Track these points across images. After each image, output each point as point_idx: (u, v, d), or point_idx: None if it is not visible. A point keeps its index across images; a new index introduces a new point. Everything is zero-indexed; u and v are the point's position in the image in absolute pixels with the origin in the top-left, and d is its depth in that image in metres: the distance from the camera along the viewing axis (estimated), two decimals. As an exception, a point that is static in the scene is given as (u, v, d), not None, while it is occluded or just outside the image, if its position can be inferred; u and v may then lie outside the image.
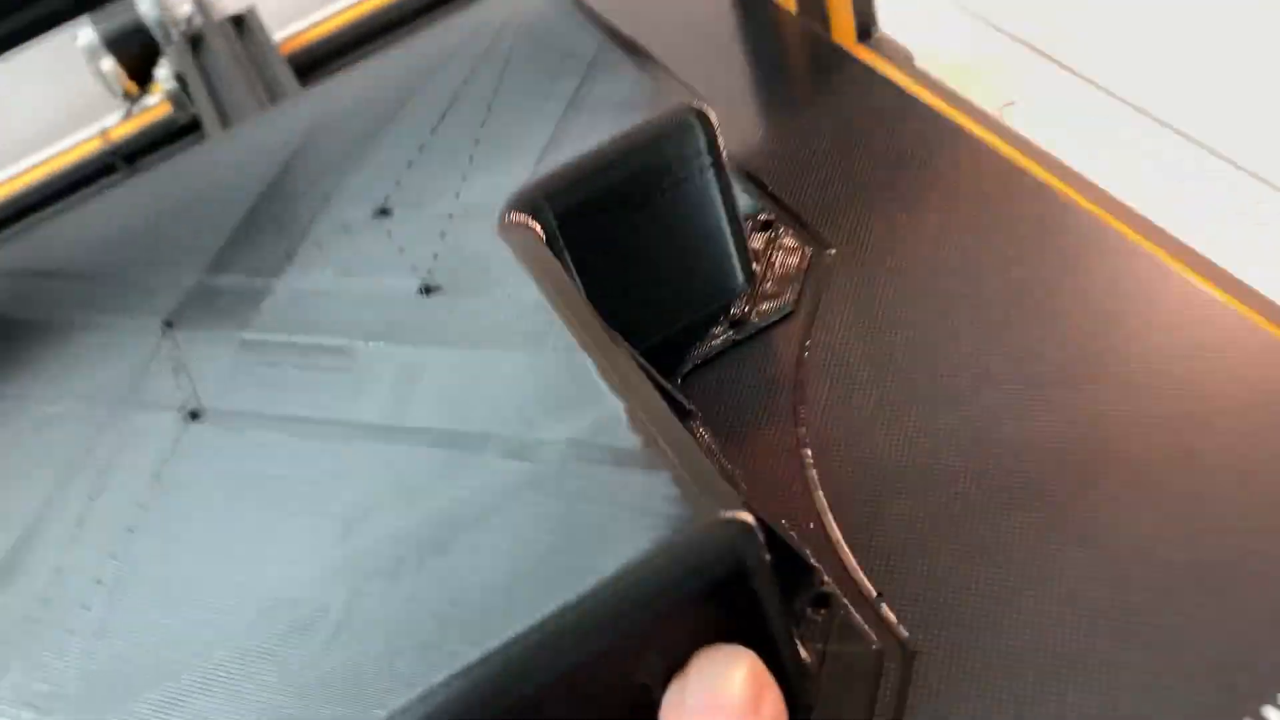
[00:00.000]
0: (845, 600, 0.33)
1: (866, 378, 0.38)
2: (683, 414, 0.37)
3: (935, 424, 0.36)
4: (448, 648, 0.24)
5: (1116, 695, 0.29)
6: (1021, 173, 0.43)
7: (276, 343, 0.33)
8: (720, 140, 0.36)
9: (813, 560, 0.33)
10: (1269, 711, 0.28)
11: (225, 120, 0.72)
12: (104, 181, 0.78)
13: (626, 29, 0.41)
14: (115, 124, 0.79)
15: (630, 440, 0.27)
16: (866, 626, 0.32)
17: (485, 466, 0.28)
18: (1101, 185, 0.44)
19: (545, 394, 0.29)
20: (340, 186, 0.38)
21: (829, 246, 0.43)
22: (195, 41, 0.79)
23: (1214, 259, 0.40)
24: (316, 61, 0.79)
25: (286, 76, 0.74)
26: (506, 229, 0.34)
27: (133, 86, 0.82)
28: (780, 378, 0.39)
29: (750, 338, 0.40)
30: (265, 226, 0.37)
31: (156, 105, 0.79)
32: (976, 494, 0.34)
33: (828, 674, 0.31)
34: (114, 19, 0.82)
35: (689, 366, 0.40)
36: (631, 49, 0.39)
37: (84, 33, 0.81)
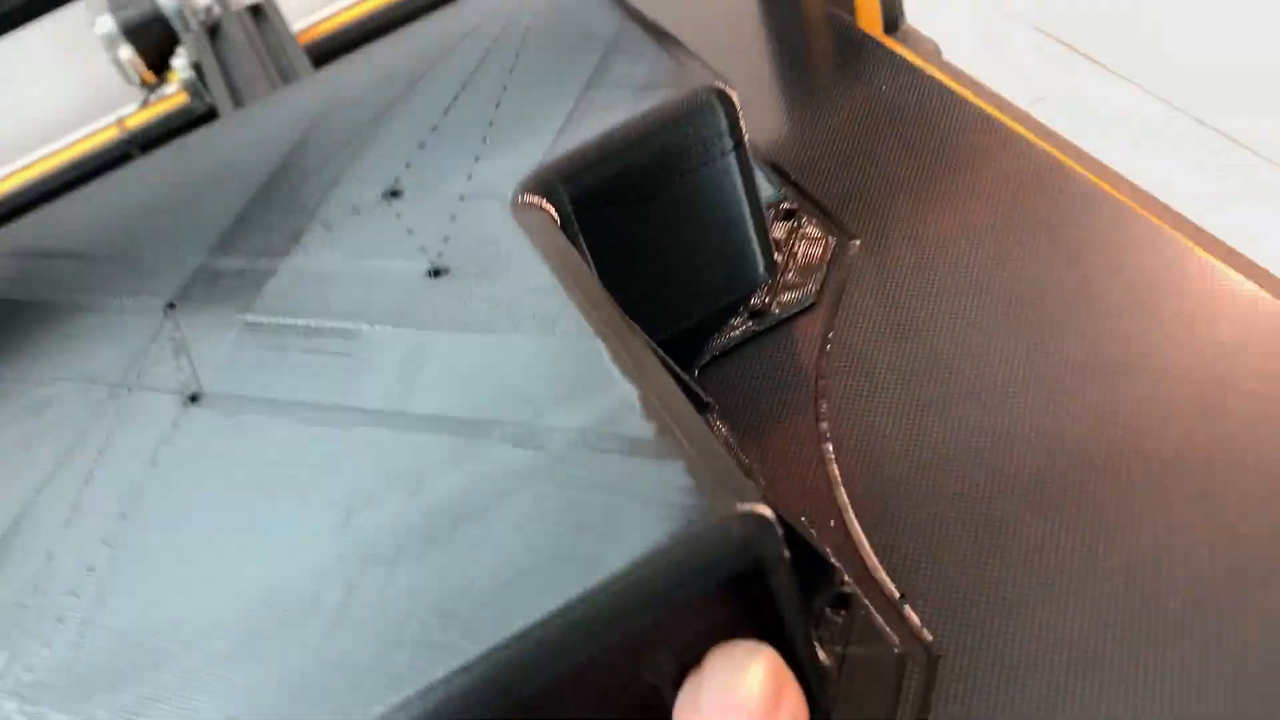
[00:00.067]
0: (866, 601, 0.31)
1: (890, 372, 0.37)
2: (700, 406, 0.36)
3: (961, 421, 0.35)
4: (448, 643, 0.23)
5: (1149, 701, 0.27)
6: (1054, 165, 0.41)
7: (280, 325, 0.32)
8: (742, 122, 0.35)
9: (833, 559, 0.32)
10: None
11: (242, 109, 0.71)
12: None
13: (651, 16, 0.39)
14: (132, 113, 0.79)
15: (643, 429, 0.26)
16: (888, 629, 0.30)
17: (491, 455, 0.26)
18: (1134, 180, 0.43)
19: (555, 380, 0.27)
20: (350, 167, 0.37)
21: (854, 237, 0.41)
22: (213, 30, 0.78)
23: (1251, 254, 0.38)
24: (334, 51, 0.78)
25: (304, 66, 0.73)
26: (519, 211, 0.33)
27: (150, 75, 0.81)
28: (801, 371, 0.38)
29: (771, 329, 0.39)
30: (273, 207, 0.36)
31: (173, 94, 0.78)
32: (1003, 492, 0.32)
33: (847, 677, 0.30)
34: (132, 7, 0.82)
35: (707, 358, 0.39)
36: (652, 29, 0.38)
37: (102, 20, 0.81)
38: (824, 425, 0.36)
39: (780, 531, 0.24)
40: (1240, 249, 0.38)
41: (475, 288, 0.31)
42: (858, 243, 0.41)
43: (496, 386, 0.28)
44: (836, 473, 0.35)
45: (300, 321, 0.32)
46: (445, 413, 0.28)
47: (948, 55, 0.61)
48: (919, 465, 0.34)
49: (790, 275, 0.40)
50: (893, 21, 0.61)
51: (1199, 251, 0.37)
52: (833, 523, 0.33)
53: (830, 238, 0.41)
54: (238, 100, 0.73)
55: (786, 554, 0.24)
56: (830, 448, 0.35)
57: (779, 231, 0.42)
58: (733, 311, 0.40)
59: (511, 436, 0.27)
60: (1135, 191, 0.42)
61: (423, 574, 0.24)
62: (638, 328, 0.31)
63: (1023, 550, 0.31)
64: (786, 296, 0.40)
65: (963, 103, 0.45)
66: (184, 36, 0.79)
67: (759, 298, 0.40)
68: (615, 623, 0.23)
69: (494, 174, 0.34)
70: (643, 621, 0.23)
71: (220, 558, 0.27)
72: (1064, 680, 0.28)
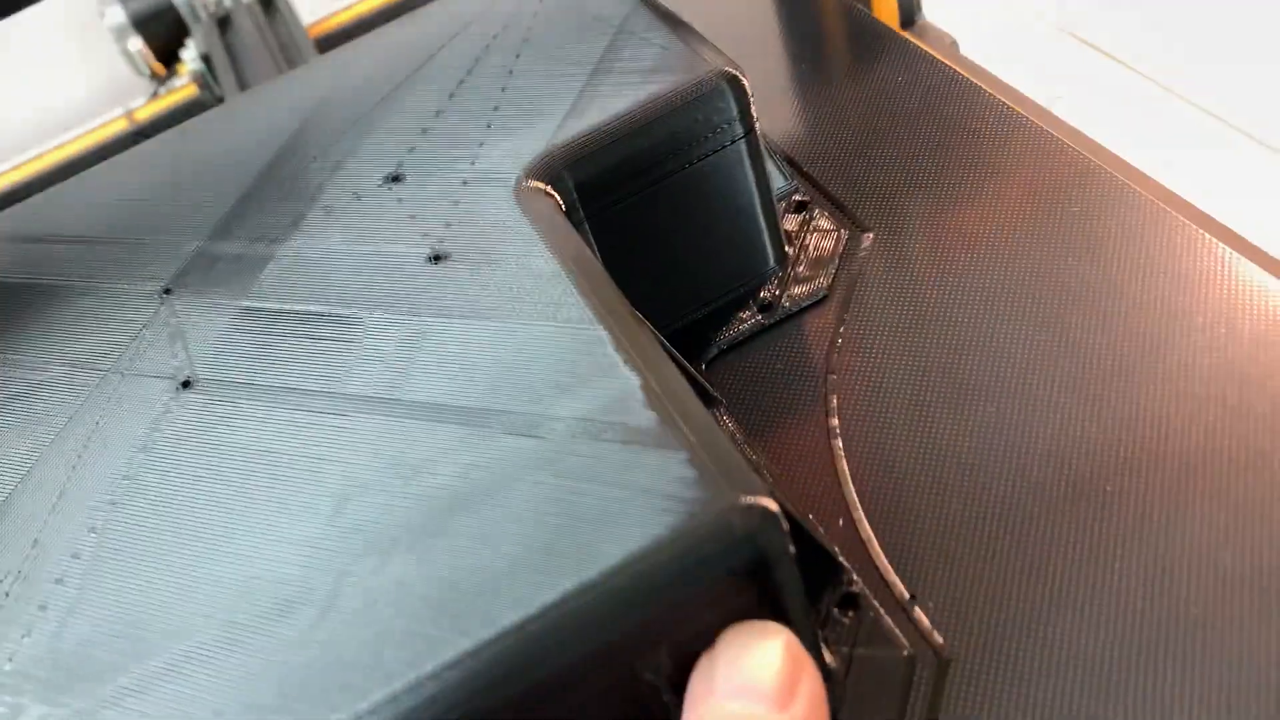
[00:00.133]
0: (875, 602, 0.30)
1: (903, 368, 0.36)
2: (707, 400, 0.35)
3: (975, 419, 0.34)
4: (439, 636, 0.22)
5: (1166, 710, 0.26)
6: (1074, 159, 0.40)
7: (277, 311, 0.31)
8: (753, 108, 0.34)
9: (841, 558, 0.31)
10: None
11: (250, 101, 0.70)
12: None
13: (664, 4, 0.39)
14: (141, 105, 0.78)
15: (645, 418, 0.25)
16: (897, 631, 0.29)
17: (489, 444, 0.26)
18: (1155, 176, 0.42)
19: (556, 368, 0.27)
20: (353, 152, 0.36)
21: (867, 230, 0.40)
22: (223, 23, 0.78)
23: (1275, 252, 0.37)
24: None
25: (314, 59, 0.73)
26: (523, 196, 0.32)
27: (159, 67, 0.81)
28: (811, 365, 0.37)
29: (780, 322, 0.38)
30: (273, 192, 0.35)
31: (182, 86, 0.78)
32: (1018, 493, 0.31)
33: (854, 679, 0.29)
34: (144, -1, 0.81)
35: (714, 351, 0.38)
36: (663, 14, 0.37)
37: (113, 12, 0.81)
38: (834, 421, 0.35)
39: (785, 525, 0.23)
40: (1263, 246, 0.37)
41: (476, 274, 0.30)
42: (871, 236, 0.40)
43: (496, 374, 0.27)
44: (846, 470, 0.34)
45: (297, 307, 0.31)
46: (443, 400, 0.27)
47: (965, 51, 0.60)
48: (931, 463, 0.33)
49: (801, 268, 0.39)
50: (909, 15, 0.61)
51: (1222, 248, 0.36)
52: (841, 521, 0.32)
53: (843, 230, 0.40)
54: (247, 92, 0.72)
55: (791, 549, 0.23)
56: (840, 444, 0.34)
57: (790, 224, 0.41)
58: (741, 304, 0.39)
59: (510, 425, 0.26)
60: (1157, 187, 0.41)
61: (415, 565, 0.24)
62: (643, 318, 0.30)
63: (1038, 552, 0.30)
64: (797, 290, 0.39)
65: (981, 95, 0.44)
66: (194, 28, 0.78)
67: (769, 290, 0.39)
68: (612, 618, 0.22)
69: (498, 159, 0.33)
70: (641, 617, 0.22)
71: (208, 546, 0.26)
72: (1078, 687, 0.27)
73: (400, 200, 0.33)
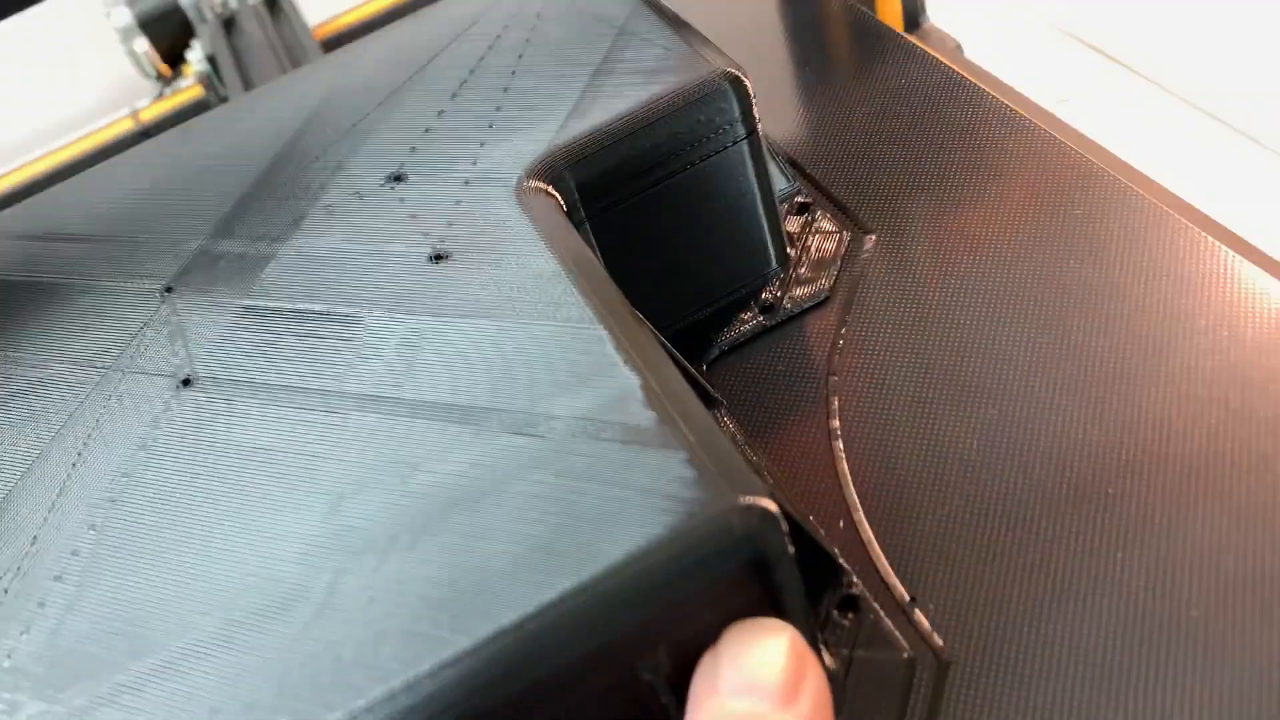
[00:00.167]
0: (875, 604, 0.30)
1: (904, 369, 0.36)
2: (708, 401, 0.35)
3: (977, 421, 0.33)
4: (437, 635, 0.22)
5: (1168, 713, 0.26)
6: (1078, 162, 0.40)
7: (277, 310, 0.31)
8: (755, 109, 0.34)
9: (842, 560, 0.31)
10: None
11: (255, 102, 0.70)
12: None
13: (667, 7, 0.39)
14: (146, 105, 0.79)
15: (645, 418, 0.25)
16: (897, 633, 0.29)
17: (488, 442, 0.26)
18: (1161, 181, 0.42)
19: (555, 367, 0.27)
20: (355, 152, 0.36)
21: (869, 231, 0.40)
22: (229, 24, 0.78)
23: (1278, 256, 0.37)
24: (350, 46, 0.78)
25: (319, 60, 0.73)
26: (524, 196, 0.32)
27: (165, 68, 0.81)
28: (813, 367, 0.37)
29: (782, 324, 0.38)
30: (275, 192, 0.35)
31: (188, 87, 0.78)
32: (1020, 496, 0.31)
33: (854, 682, 0.29)
34: (150, 0, 0.82)
35: (715, 353, 0.38)
36: (666, 15, 0.37)
37: (119, 13, 0.81)
38: (835, 423, 0.35)
39: (784, 526, 0.23)
40: (1267, 250, 0.37)
41: (477, 273, 0.30)
42: (873, 238, 0.40)
43: (495, 373, 0.27)
44: (847, 472, 0.34)
45: (298, 306, 0.31)
46: (442, 399, 0.27)
47: (970, 55, 0.60)
48: (932, 465, 0.33)
49: (803, 270, 0.39)
50: (914, 18, 0.60)
51: (1225, 251, 0.36)
52: (842, 523, 0.32)
53: (845, 232, 0.40)
54: (252, 93, 0.72)
55: (791, 549, 0.23)
56: (841, 446, 0.34)
57: (792, 225, 0.41)
58: (743, 305, 0.39)
59: (509, 424, 0.26)
60: (1160, 190, 0.40)
61: (412, 563, 0.24)
62: (643, 318, 0.30)
63: (1039, 554, 0.30)
64: (799, 291, 0.39)
65: (985, 98, 0.44)
66: (199, 29, 0.78)
67: (770, 292, 0.39)
68: (610, 618, 0.22)
69: (500, 159, 0.33)
70: (639, 617, 0.22)
71: (207, 544, 0.26)
72: (1079, 690, 0.27)
73: (402, 200, 0.33)
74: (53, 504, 0.28)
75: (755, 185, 0.36)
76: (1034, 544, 0.30)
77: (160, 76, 0.80)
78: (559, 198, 0.33)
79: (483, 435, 0.26)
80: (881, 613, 0.30)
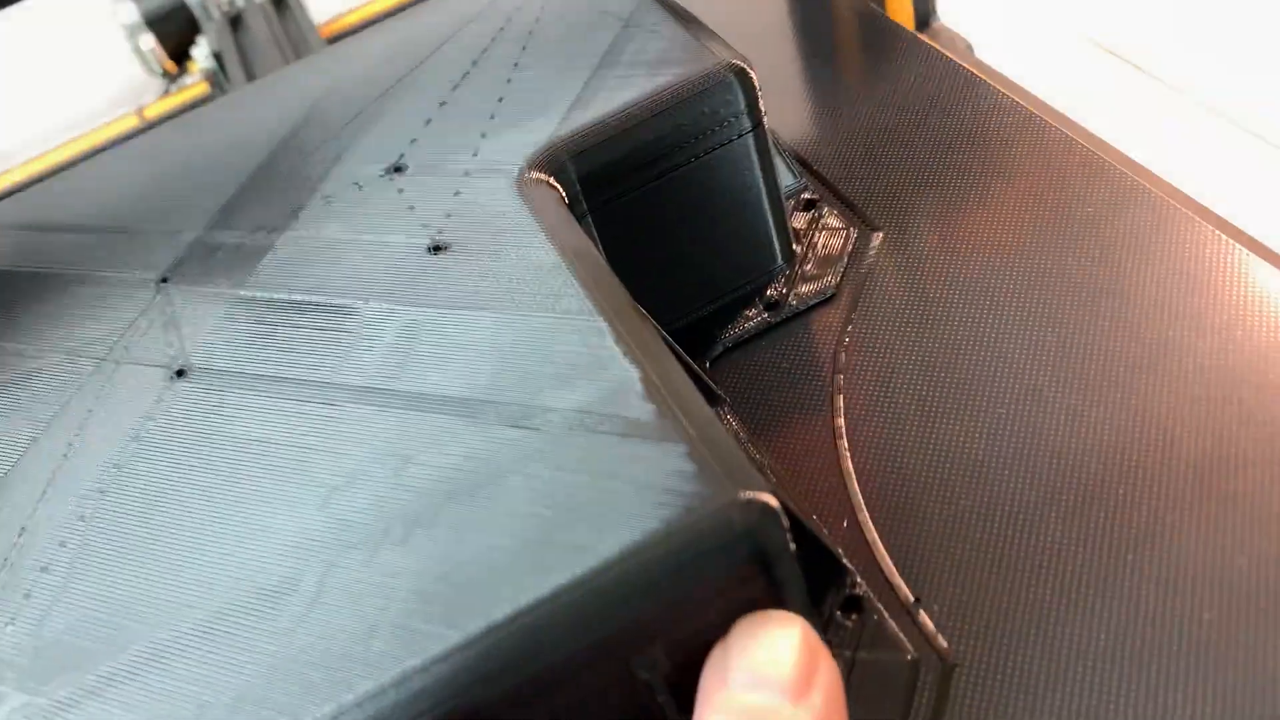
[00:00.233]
0: (879, 605, 0.29)
1: (911, 368, 0.35)
2: (711, 399, 0.34)
3: (984, 420, 0.33)
4: (428, 629, 0.22)
5: (1178, 718, 0.26)
6: (1088, 159, 0.40)
7: (273, 300, 0.31)
8: (761, 102, 0.33)
9: (845, 560, 0.30)
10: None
11: (260, 99, 0.70)
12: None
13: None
14: (151, 102, 0.78)
15: (644, 411, 0.24)
16: (902, 635, 0.29)
17: (484, 434, 0.25)
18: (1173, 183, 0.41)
19: (554, 359, 0.26)
20: (355, 143, 0.35)
21: (876, 229, 0.40)
22: (235, 21, 0.78)
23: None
24: (356, 44, 0.77)
25: (325, 58, 0.73)
26: (525, 187, 0.31)
27: (171, 65, 0.81)
28: (818, 365, 0.36)
29: (787, 321, 0.38)
30: (274, 183, 0.35)
31: (193, 84, 0.78)
32: (1027, 496, 0.31)
33: (857, 684, 0.28)
34: (157, -3, 0.81)
35: (719, 349, 0.37)
36: (672, 8, 0.36)
37: (125, 10, 0.80)
38: (840, 422, 0.34)
39: (786, 522, 0.22)
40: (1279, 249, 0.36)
41: (476, 264, 0.29)
42: (880, 235, 0.39)
43: (493, 365, 0.27)
44: (852, 471, 0.33)
45: (294, 297, 0.31)
46: (438, 391, 0.26)
47: (980, 55, 0.60)
48: (938, 465, 0.32)
49: (809, 266, 0.39)
50: (924, 18, 0.60)
51: (1238, 249, 0.35)
52: (846, 523, 0.32)
53: (852, 229, 0.40)
54: (257, 91, 0.72)
55: (792, 546, 0.23)
56: (845, 444, 0.34)
57: (799, 222, 0.40)
58: (748, 302, 0.38)
59: (506, 416, 0.25)
60: (1170, 188, 0.40)
61: (405, 557, 0.23)
62: (644, 312, 0.29)
63: (1046, 555, 0.29)
64: (804, 288, 0.38)
65: (994, 95, 0.44)
66: (206, 26, 0.78)
67: (776, 289, 0.38)
68: (606, 613, 0.21)
69: (501, 150, 0.33)
70: (635, 613, 0.22)
71: (197, 536, 0.25)
72: (1087, 694, 0.27)
73: (401, 191, 0.33)
74: (42, 495, 0.28)
75: (761, 179, 0.35)
76: (1042, 545, 0.30)
77: (166, 74, 0.80)
78: (561, 189, 0.32)
79: (479, 428, 0.25)
80: (885, 614, 0.29)
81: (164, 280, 0.33)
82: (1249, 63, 0.89)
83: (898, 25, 0.50)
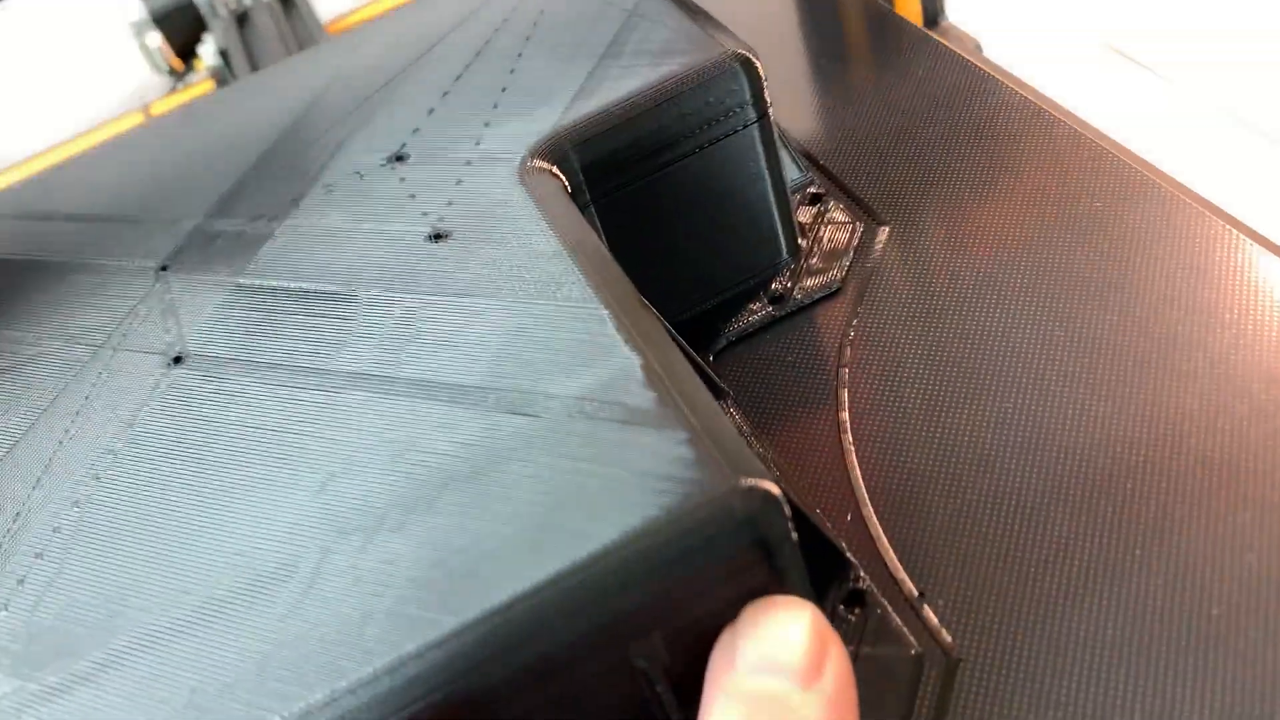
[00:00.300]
0: (883, 599, 0.29)
1: (916, 363, 0.35)
2: (715, 392, 0.34)
3: (991, 415, 0.32)
4: (423, 616, 0.21)
5: (1187, 714, 0.25)
6: (1097, 153, 0.39)
7: (272, 288, 0.30)
8: (766, 92, 0.33)
9: (849, 554, 0.30)
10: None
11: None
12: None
13: None
14: (157, 99, 0.78)
15: (645, 398, 0.24)
16: (905, 629, 0.28)
17: (482, 422, 0.25)
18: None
19: (555, 347, 0.26)
20: (357, 133, 0.35)
21: (883, 223, 0.39)
22: (242, 19, 0.78)
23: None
24: (363, 42, 0.77)
25: (331, 55, 0.72)
26: (527, 176, 0.31)
27: (178, 63, 0.81)
28: (822, 359, 0.36)
29: (792, 315, 0.37)
30: (275, 172, 0.35)
31: (199, 82, 0.78)
32: (1034, 491, 0.30)
33: (860, 679, 0.28)
34: (164, -5, 0.81)
35: (723, 343, 0.37)
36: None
37: (132, 7, 0.80)
38: (844, 416, 0.34)
39: (788, 510, 0.22)
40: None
41: (476, 252, 0.29)
42: (887, 229, 0.39)
43: (493, 352, 0.26)
44: (856, 465, 0.33)
45: (293, 284, 0.30)
46: (437, 378, 0.26)
47: (988, 54, 0.59)
48: (944, 459, 0.32)
49: (814, 260, 0.38)
50: (932, 16, 0.60)
51: (1248, 243, 0.35)
52: (850, 517, 0.31)
53: (858, 224, 0.39)
54: (263, 88, 0.72)
55: (794, 535, 0.22)
56: (850, 439, 0.33)
57: (804, 216, 0.40)
58: (752, 296, 0.38)
59: (505, 403, 0.25)
60: (1181, 187, 0.39)
61: (401, 543, 0.23)
62: (647, 302, 0.29)
63: (1053, 550, 0.29)
64: (810, 282, 0.38)
65: (1000, 89, 0.43)
66: (212, 24, 0.78)
67: (781, 282, 0.38)
68: (603, 601, 0.21)
69: (503, 139, 0.32)
70: (634, 600, 0.21)
71: (191, 521, 0.25)
72: (1093, 689, 0.26)
73: (402, 179, 0.33)
74: (37, 480, 0.27)
75: (766, 171, 0.35)
76: (1048, 539, 0.29)
77: (173, 71, 0.80)
78: (563, 179, 0.32)
79: (478, 414, 0.25)
80: (889, 608, 0.29)
81: (163, 268, 0.33)
82: (1258, 62, 0.89)
83: (905, 21, 0.50)
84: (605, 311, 0.26)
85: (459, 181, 0.32)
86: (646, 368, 0.24)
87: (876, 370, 0.35)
